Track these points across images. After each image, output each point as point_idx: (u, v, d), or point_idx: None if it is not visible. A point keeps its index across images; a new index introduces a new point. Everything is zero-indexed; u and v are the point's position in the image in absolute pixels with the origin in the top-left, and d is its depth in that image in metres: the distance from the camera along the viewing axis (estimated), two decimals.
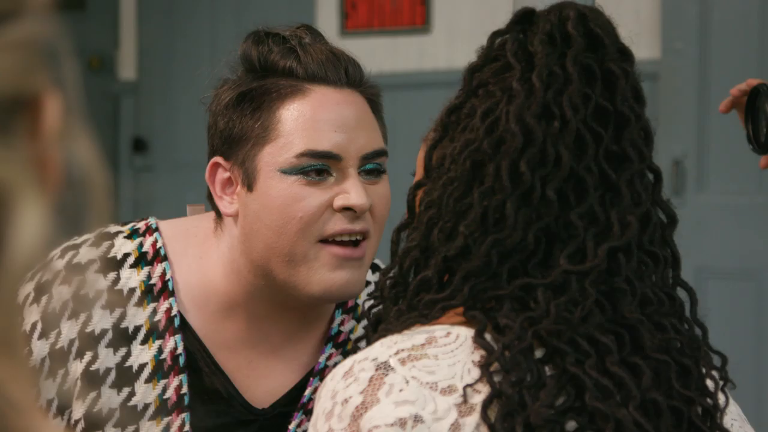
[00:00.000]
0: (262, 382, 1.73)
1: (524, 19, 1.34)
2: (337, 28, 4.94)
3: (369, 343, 1.35)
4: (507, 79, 1.32)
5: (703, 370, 1.34)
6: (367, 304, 1.39)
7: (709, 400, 1.32)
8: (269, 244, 1.64)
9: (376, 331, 1.35)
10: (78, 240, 1.72)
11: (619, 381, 1.26)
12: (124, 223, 1.75)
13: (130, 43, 5.45)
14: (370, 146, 1.66)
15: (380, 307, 1.37)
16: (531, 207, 1.28)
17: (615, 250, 1.29)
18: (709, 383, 1.35)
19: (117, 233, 1.72)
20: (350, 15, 4.93)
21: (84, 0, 5.52)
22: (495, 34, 1.36)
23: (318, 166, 1.63)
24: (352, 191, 1.63)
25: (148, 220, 1.75)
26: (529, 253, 1.29)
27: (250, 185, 1.65)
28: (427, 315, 1.30)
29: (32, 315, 1.67)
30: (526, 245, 1.28)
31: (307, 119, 1.64)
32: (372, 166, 1.66)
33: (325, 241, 1.63)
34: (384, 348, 1.28)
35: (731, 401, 1.38)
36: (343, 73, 1.68)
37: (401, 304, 1.33)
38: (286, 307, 1.70)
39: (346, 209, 1.63)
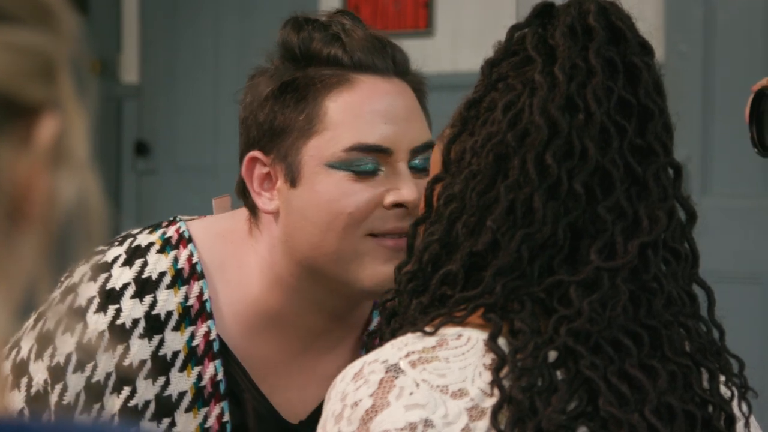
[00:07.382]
0: (301, 394, 1.67)
1: (544, 12, 1.33)
2: None
3: (381, 336, 1.34)
4: (528, 72, 1.31)
5: (722, 377, 1.33)
6: (383, 298, 1.36)
7: (728, 407, 1.31)
8: (314, 243, 1.57)
9: (389, 324, 1.33)
10: (107, 256, 1.62)
11: (637, 384, 1.25)
12: (152, 228, 1.66)
13: (133, 46, 5.44)
14: (419, 139, 1.59)
15: (395, 301, 1.35)
16: (559, 201, 1.27)
17: (645, 246, 1.28)
18: (728, 390, 1.33)
19: (149, 246, 1.63)
20: None
21: (86, 4, 5.51)
22: (514, 29, 1.34)
23: (368, 162, 1.57)
24: (404, 187, 1.57)
25: (178, 225, 1.65)
26: (558, 248, 1.27)
27: (293, 180, 1.58)
28: (458, 314, 1.28)
29: (66, 345, 1.59)
30: (556, 240, 1.27)
31: (355, 111, 1.57)
32: (420, 163, 1.59)
33: (373, 234, 1.57)
34: (394, 350, 1.26)
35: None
36: (391, 61, 1.61)
37: (422, 298, 1.31)
38: (328, 310, 1.63)
39: (397, 205, 1.57)
